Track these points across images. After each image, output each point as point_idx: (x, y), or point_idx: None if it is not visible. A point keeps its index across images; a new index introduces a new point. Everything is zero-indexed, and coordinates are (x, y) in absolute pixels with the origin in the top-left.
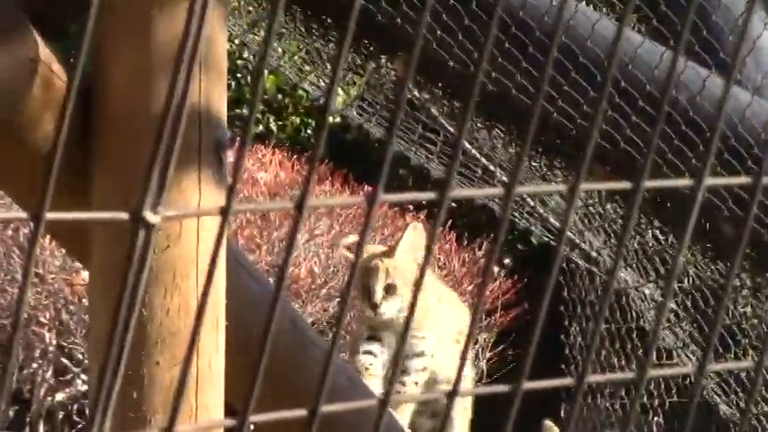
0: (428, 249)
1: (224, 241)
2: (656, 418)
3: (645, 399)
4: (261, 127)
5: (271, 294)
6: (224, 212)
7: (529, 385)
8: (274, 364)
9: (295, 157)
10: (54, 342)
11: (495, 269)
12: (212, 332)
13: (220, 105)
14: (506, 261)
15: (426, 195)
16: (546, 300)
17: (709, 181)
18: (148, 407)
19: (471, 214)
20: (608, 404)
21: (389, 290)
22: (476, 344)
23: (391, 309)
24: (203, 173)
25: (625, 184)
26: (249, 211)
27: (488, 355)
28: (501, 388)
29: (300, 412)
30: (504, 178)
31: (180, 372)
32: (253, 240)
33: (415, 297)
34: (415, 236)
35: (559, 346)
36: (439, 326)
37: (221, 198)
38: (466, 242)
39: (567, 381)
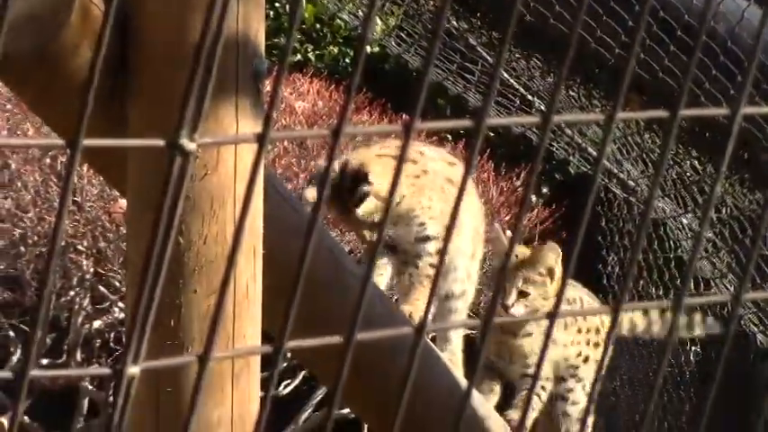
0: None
1: (261, 168)
2: (693, 348)
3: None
4: (299, 56)
5: (303, 218)
6: (260, 139)
7: (565, 312)
8: (311, 292)
9: (333, 86)
10: (91, 270)
11: (533, 198)
12: (250, 260)
13: (258, 34)
14: (544, 191)
15: (463, 123)
16: (582, 229)
17: (746, 109)
18: (185, 335)
19: (509, 144)
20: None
21: (522, 294)
22: None
23: (520, 309)
24: (240, 102)
25: (662, 113)
26: (285, 138)
27: None
28: (538, 315)
29: (335, 339)
30: (542, 107)
31: (216, 299)
32: (290, 169)
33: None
34: (550, 252)
35: (597, 276)
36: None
37: (258, 127)
38: (504, 171)
39: (605, 308)
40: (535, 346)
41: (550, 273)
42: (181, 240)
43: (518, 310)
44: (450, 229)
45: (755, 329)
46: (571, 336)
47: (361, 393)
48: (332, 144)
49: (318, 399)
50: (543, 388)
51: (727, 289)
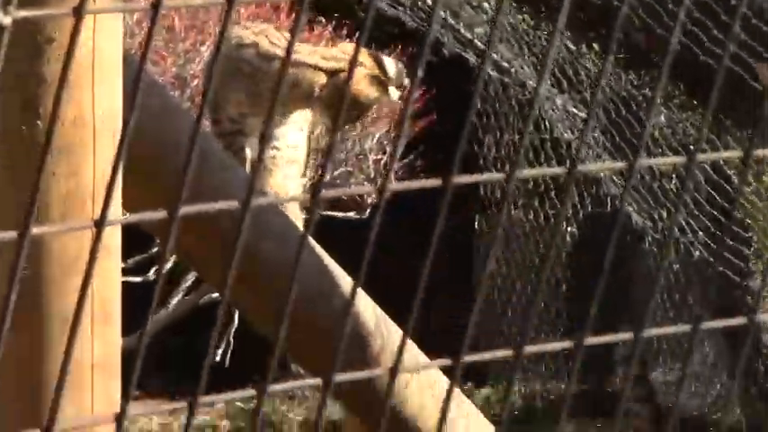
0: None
1: (152, 41)
2: (569, 229)
3: (557, 208)
4: None
5: (173, 104)
6: (155, 6)
7: (463, 179)
8: (177, 177)
9: None
10: None
11: (405, 81)
12: (109, 145)
13: None
14: (419, 73)
15: None
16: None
17: None
18: (44, 217)
19: (383, 26)
20: (521, 215)
21: None
22: (383, 154)
23: None
24: None
25: None
26: (181, 6)
27: (396, 166)
28: (433, 182)
29: (236, 203)
30: None
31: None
32: (157, 53)
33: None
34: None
35: (473, 156)
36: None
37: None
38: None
39: (498, 175)
40: None
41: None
42: (39, 123)
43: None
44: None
45: (630, 210)
46: None
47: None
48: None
49: (189, 283)
50: None
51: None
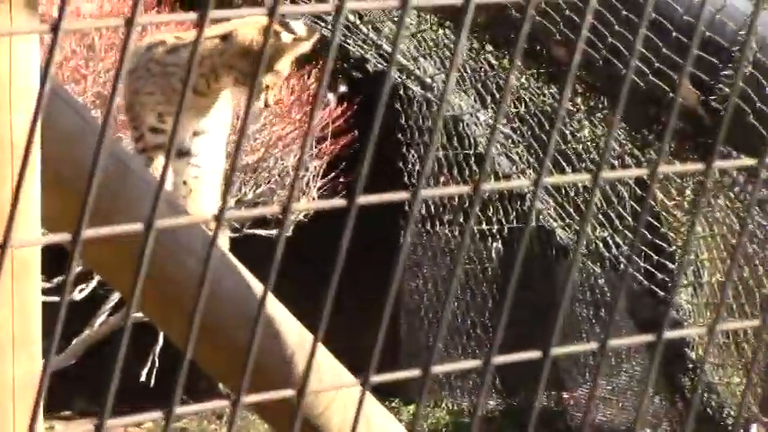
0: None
1: (53, 63)
2: (495, 244)
3: (483, 225)
4: None
5: (93, 128)
6: (54, 30)
7: (364, 200)
8: (97, 193)
9: None
10: None
11: (329, 96)
12: (30, 167)
13: None
14: (342, 89)
15: (186, 16)
16: (376, 126)
17: None
18: None
19: None
20: (447, 231)
21: None
22: (306, 171)
23: None
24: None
25: (457, 0)
26: (80, 29)
27: (319, 183)
28: (338, 202)
29: (138, 226)
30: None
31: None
32: (78, 71)
33: None
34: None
35: (398, 174)
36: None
37: (34, 19)
38: (296, 68)
39: (403, 195)
40: None
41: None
42: None
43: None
44: None
45: (555, 225)
46: None
47: (154, 300)
48: (126, 35)
49: (114, 303)
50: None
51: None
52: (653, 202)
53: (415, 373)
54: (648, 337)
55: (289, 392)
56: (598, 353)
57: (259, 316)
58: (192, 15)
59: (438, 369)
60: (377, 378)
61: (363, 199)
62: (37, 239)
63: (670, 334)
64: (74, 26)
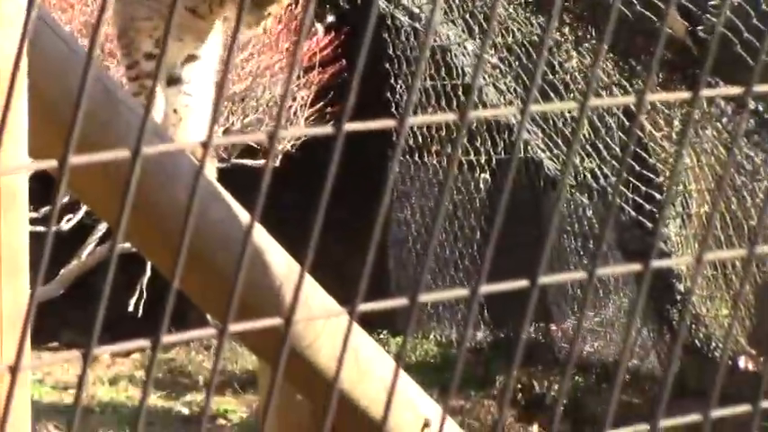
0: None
1: None
2: (482, 175)
3: (472, 156)
4: None
5: (80, 57)
6: None
7: (352, 127)
8: (86, 123)
9: None
10: None
11: (316, 26)
12: (17, 95)
13: None
14: (330, 18)
15: None
16: (363, 56)
17: None
18: None
19: None
20: (435, 161)
21: None
22: (294, 101)
23: None
24: None
25: None
26: None
27: (307, 113)
28: (326, 129)
29: (123, 153)
30: None
31: None
32: (65, 0)
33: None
34: None
35: (386, 104)
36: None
37: None
38: None
39: (390, 122)
40: None
41: None
42: None
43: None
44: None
45: (543, 156)
46: None
47: (139, 225)
48: None
49: (101, 233)
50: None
51: (514, 116)
52: (641, 133)
53: (402, 301)
54: (636, 267)
55: (276, 321)
56: (586, 282)
57: (245, 246)
58: None
59: (425, 298)
60: (364, 307)
61: (350, 126)
62: (24, 165)
63: (657, 263)
64: None
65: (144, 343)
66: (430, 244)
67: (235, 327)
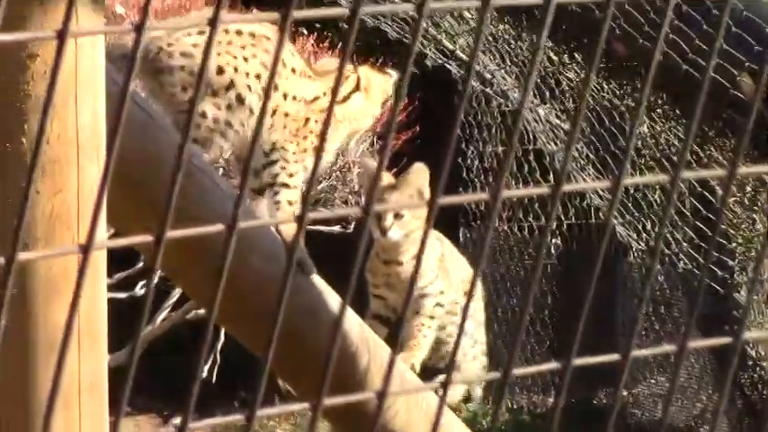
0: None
1: (136, 62)
2: (553, 241)
3: (542, 221)
4: None
5: (155, 121)
6: (138, 30)
7: (447, 200)
8: (159, 188)
9: None
10: None
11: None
12: (93, 161)
13: None
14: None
15: (270, 16)
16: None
17: None
18: (29, 236)
19: (364, 36)
20: (506, 228)
21: (397, 216)
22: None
23: (398, 233)
24: None
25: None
26: (165, 29)
27: None
28: (418, 203)
29: (218, 227)
30: None
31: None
32: None
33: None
34: (419, 175)
35: (457, 169)
36: (447, 276)
37: (100, 20)
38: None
39: (482, 196)
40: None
41: (420, 194)
42: (23, 141)
43: (395, 233)
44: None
45: (615, 222)
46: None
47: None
48: (209, 36)
49: (175, 299)
50: (429, 327)
51: (585, 181)
52: (712, 198)
53: (495, 375)
54: (726, 340)
55: (370, 395)
56: (674, 356)
57: (340, 320)
58: (275, 15)
59: (519, 372)
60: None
61: (446, 200)
62: (116, 242)
63: (748, 335)
64: (159, 26)
65: (239, 417)
66: (522, 320)
67: (330, 401)
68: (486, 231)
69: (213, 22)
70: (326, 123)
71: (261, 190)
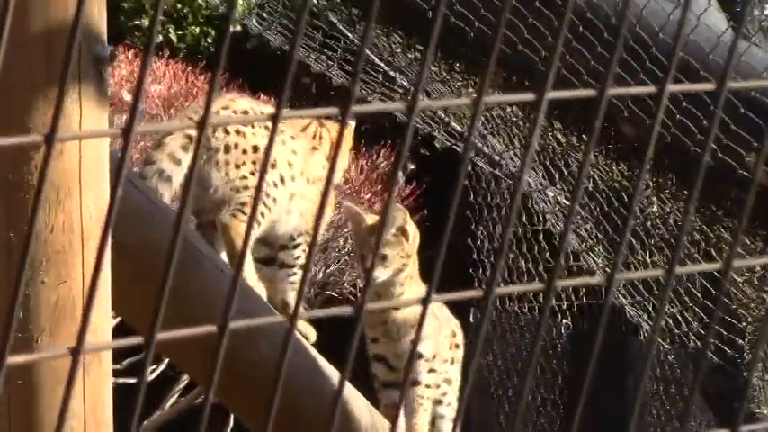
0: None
1: (126, 160)
2: (564, 321)
3: (553, 302)
4: (160, 37)
5: (159, 209)
6: (126, 133)
7: (438, 298)
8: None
9: (189, 68)
10: None
11: (399, 174)
12: (96, 250)
13: (99, 18)
14: (411, 167)
15: (328, 111)
16: (453, 208)
17: (613, 91)
18: (34, 326)
19: (372, 120)
20: (516, 308)
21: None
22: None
23: (383, 272)
24: (83, 89)
25: (529, 96)
26: (151, 132)
27: None
28: (413, 300)
29: (209, 328)
30: (405, 83)
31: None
32: (148, 153)
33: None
34: (398, 213)
35: (467, 250)
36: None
37: (103, 115)
38: (364, 149)
39: (475, 293)
40: (417, 313)
41: (403, 232)
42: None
43: (381, 273)
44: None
45: (624, 302)
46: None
47: (227, 382)
48: (198, 135)
49: (184, 384)
50: (428, 386)
51: (595, 262)
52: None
53: None
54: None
55: None
56: None
57: (336, 405)
58: (265, 116)
59: None
60: None
61: (438, 297)
62: (108, 344)
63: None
64: (144, 130)
65: None
66: (521, 394)
67: None
68: (479, 327)
69: (275, 118)
70: (325, 195)
71: (267, 260)
